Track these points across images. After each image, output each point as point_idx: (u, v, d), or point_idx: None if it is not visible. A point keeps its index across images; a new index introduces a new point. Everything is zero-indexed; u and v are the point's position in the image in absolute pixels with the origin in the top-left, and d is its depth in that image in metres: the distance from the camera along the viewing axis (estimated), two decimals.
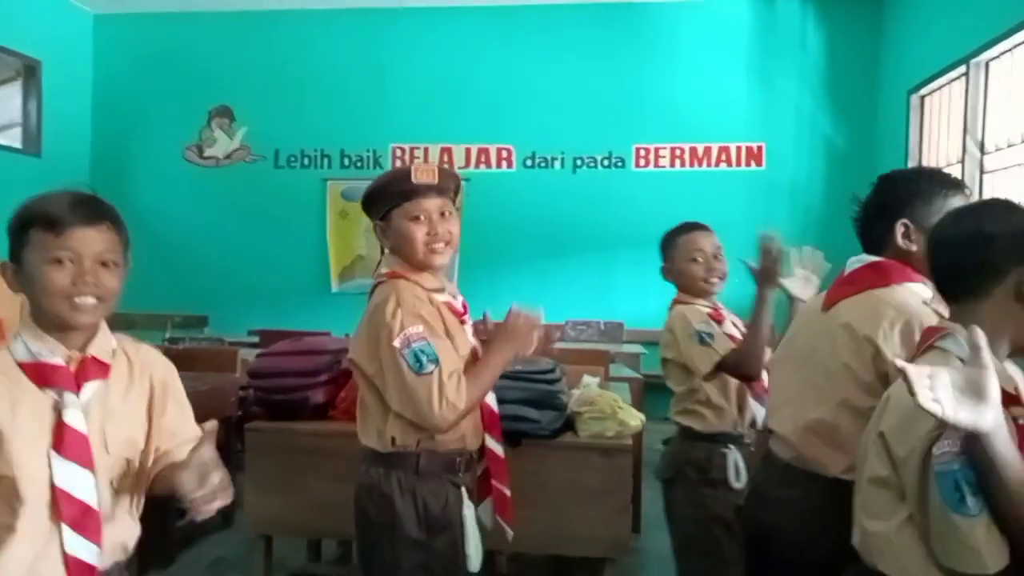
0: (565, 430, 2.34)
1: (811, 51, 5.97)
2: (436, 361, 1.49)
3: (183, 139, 6.56)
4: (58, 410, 1.20)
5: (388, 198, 1.61)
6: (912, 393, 0.96)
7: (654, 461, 2.35)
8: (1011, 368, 1.20)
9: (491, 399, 1.70)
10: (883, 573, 1.18)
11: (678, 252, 2.16)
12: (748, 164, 6.04)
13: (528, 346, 1.65)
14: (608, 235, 5.96)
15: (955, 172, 4.53)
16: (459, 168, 6.09)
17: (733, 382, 2.10)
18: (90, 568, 1.19)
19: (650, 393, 3.48)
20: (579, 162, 6.22)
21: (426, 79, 6.28)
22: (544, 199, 6.13)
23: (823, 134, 5.97)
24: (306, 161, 6.47)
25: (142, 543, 1.33)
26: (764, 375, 2.06)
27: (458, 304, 1.68)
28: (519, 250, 6.01)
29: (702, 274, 2.13)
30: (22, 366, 1.21)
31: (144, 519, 1.37)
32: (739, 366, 2.03)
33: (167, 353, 1.43)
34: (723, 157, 6.07)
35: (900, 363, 1.00)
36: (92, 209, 1.23)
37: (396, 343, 1.50)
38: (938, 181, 1.54)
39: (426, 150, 6.31)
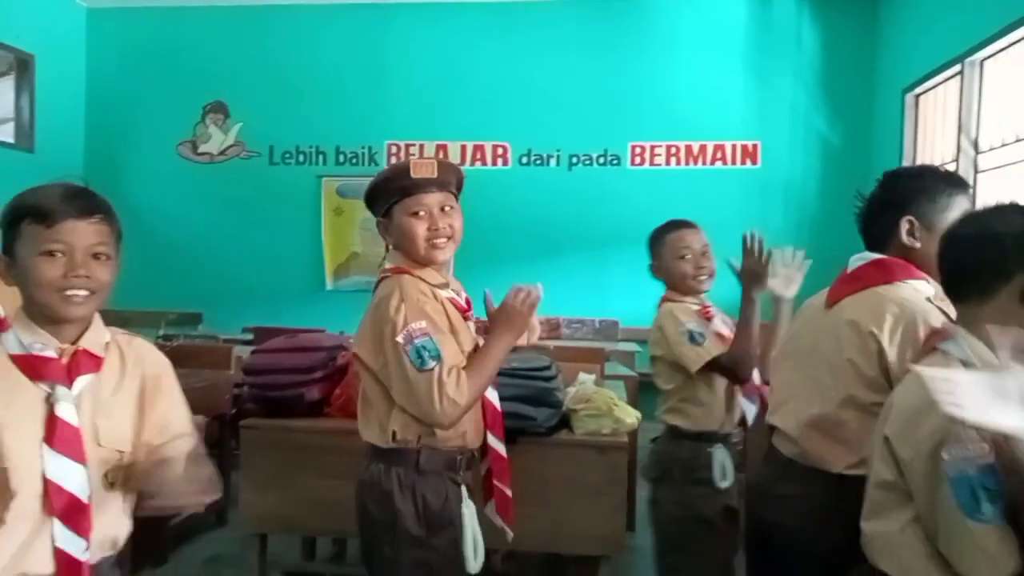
0: (561, 427, 2.34)
1: (807, 49, 5.98)
2: (438, 357, 1.49)
3: (177, 135, 6.53)
4: (50, 403, 1.20)
5: (388, 194, 1.61)
6: (933, 398, 0.96)
7: None
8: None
9: (494, 397, 1.69)
10: (886, 573, 1.19)
11: (666, 250, 2.16)
12: (744, 162, 6.05)
13: (528, 328, 1.64)
14: (603, 233, 5.96)
15: (950, 170, 4.55)
16: None
17: (722, 380, 2.09)
18: (78, 562, 1.19)
19: (645, 391, 3.48)
20: (575, 160, 6.22)
21: (422, 75, 6.27)
22: (539, 197, 6.13)
23: (818, 132, 5.98)
24: (301, 158, 6.45)
25: (136, 541, 1.32)
26: (755, 374, 2.06)
27: (462, 300, 1.67)
28: (514, 248, 6.00)
29: (690, 272, 2.13)
30: (14, 359, 1.21)
31: (137, 517, 1.36)
32: (732, 368, 2.03)
33: (161, 350, 1.42)
34: (719, 155, 6.07)
35: (917, 368, 1.00)
36: (84, 201, 1.22)
37: (399, 339, 1.49)
38: (944, 179, 1.55)
39: (421, 147, 6.30)
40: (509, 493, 1.73)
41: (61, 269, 1.19)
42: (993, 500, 1.03)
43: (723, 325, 2.15)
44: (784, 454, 1.59)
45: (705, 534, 2.05)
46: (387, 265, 1.64)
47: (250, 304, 6.11)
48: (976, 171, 4.42)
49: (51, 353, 1.21)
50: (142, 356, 1.35)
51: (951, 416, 0.96)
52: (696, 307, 2.14)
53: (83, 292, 1.21)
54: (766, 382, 1.98)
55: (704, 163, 6.08)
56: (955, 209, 1.51)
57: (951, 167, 4.55)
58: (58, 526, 1.18)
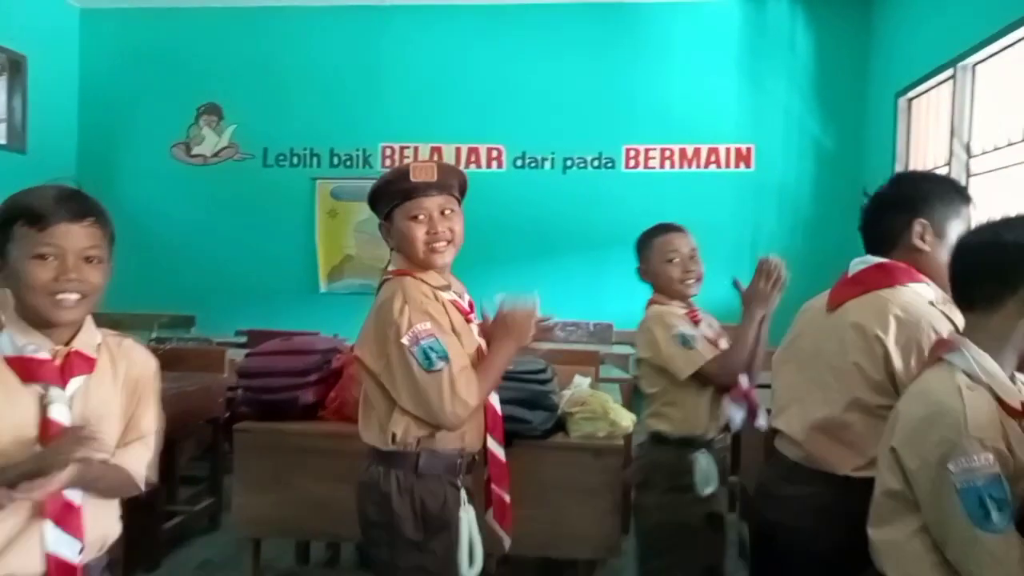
0: (556, 430, 2.34)
1: (800, 54, 6.00)
2: (446, 358, 1.49)
3: (170, 137, 6.50)
4: (43, 404, 1.20)
5: (389, 198, 1.61)
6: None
7: None
8: (1021, 381, 1.22)
9: (494, 400, 1.69)
10: None
11: (654, 253, 2.16)
12: (737, 165, 6.06)
13: (527, 335, 1.65)
14: (598, 236, 5.96)
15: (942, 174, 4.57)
16: None
17: (707, 386, 2.08)
18: (71, 565, 1.19)
19: (640, 394, 3.48)
20: (569, 162, 6.23)
21: (416, 78, 6.26)
22: (534, 199, 6.13)
23: (812, 136, 6.00)
24: (295, 160, 6.43)
25: (128, 545, 1.32)
26: (744, 379, 2.06)
27: (464, 302, 1.67)
28: (508, 250, 5.99)
29: (678, 275, 2.13)
30: (7, 360, 1.20)
31: (129, 521, 1.36)
32: (716, 377, 2.03)
33: (154, 353, 1.42)
34: (712, 158, 6.09)
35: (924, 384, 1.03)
36: (76, 204, 1.22)
37: (405, 340, 1.49)
38: (956, 188, 1.58)
39: (416, 149, 6.29)
40: (507, 499, 1.72)
41: (52, 272, 1.19)
42: (1001, 509, 1.06)
43: (708, 329, 2.15)
44: (789, 457, 1.59)
45: (687, 540, 2.04)
46: (390, 268, 1.65)
47: (243, 307, 6.08)
48: (968, 175, 4.44)
49: (44, 355, 1.22)
50: (131, 358, 1.35)
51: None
52: (683, 311, 2.14)
53: (74, 295, 1.21)
54: (765, 386, 1.98)
55: (698, 166, 6.09)
56: (963, 219, 1.53)
57: (943, 171, 4.57)
58: (50, 528, 1.18)
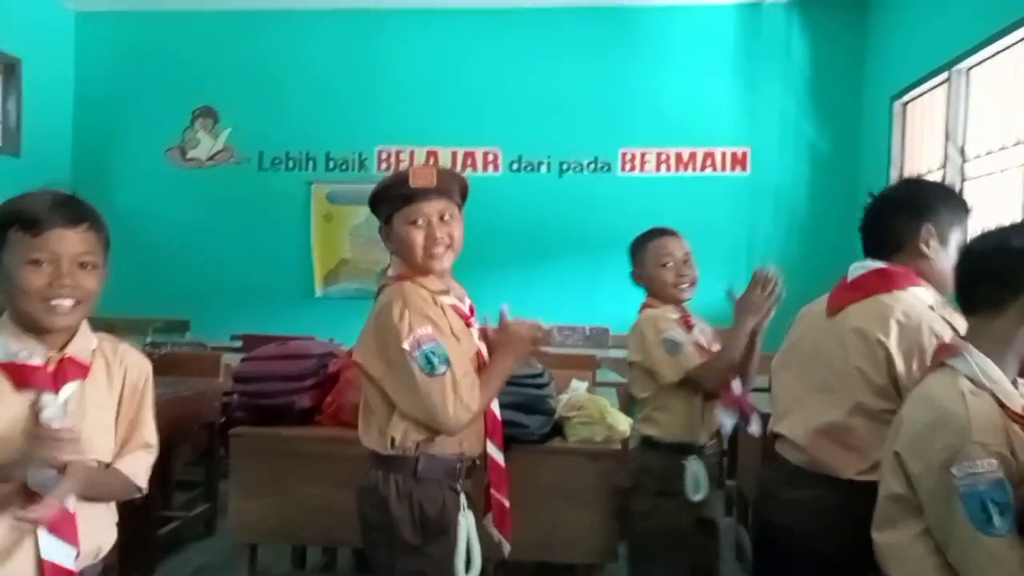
0: (554, 435, 2.33)
1: (796, 58, 6.01)
2: (448, 362, 1.49)
3: (166, 140, 6.48)
4: (35, 411, 1.19)
5: (389, 202, 1.61)
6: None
7: None
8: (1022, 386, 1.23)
9: (495, 406, 1.69)
10: None
11: (648, 257, 2.16)
12: (733, 169, 6.08)
13: (529, 350, 1.66)
14: (594, 240, 5.95)
15: (937, 178, 4.59)
16: None
17: (698, 391, 2.08)
18: (66, 571, 1.18)
19: (633, 398, 3.48)
20: (565, 166, 6.23)
21: (412, 81, 6.26)
22: (530, 203, 6.12)
23: (807, 140, 6.02)
24: (291, 163, 6.42)
25: (123, 550, 1.31)
26: (736, 385, 2.05)
27: (465, 307, 1.68)
28: (504, 254, 5.98)
29: (672, 279, 2.13)
30: (0, 366, 1.19)
31: (124, 526, 1.35)
32: (701, 383, 2.03)
33: (148, 358, 1.41)
34: (708, 162, 6.10)
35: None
36: (71, 210, 1.22)
37: (406, 345, 1.49)
38: (960, 199, 1.60)
39: (412, 153, 6.28)
40: (507, 504, 1.72)
41: (46, 278, 1.18)
42: (1003, 513, 1.07)
43: (701, 335, 2.15)
44: (791, 461, 1.59)
45: (677, 545, 2.04)
46: (390, 272, 1.65)
47: (238, 311, 6.06)
48: (963, 179, 4.46)
49: (37, 361, 1.21)
50: (126, 362, 1.35)
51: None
52: (676, 315, 2.13)
53: (68, 301, 1.20)
54: (762, 389, 1.97)
55: (694, 170, 6.10)
56: (963, 230, 1.56)
57: (938, 174, 4.60)
58: (44, 536, 1.17)
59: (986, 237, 1.30)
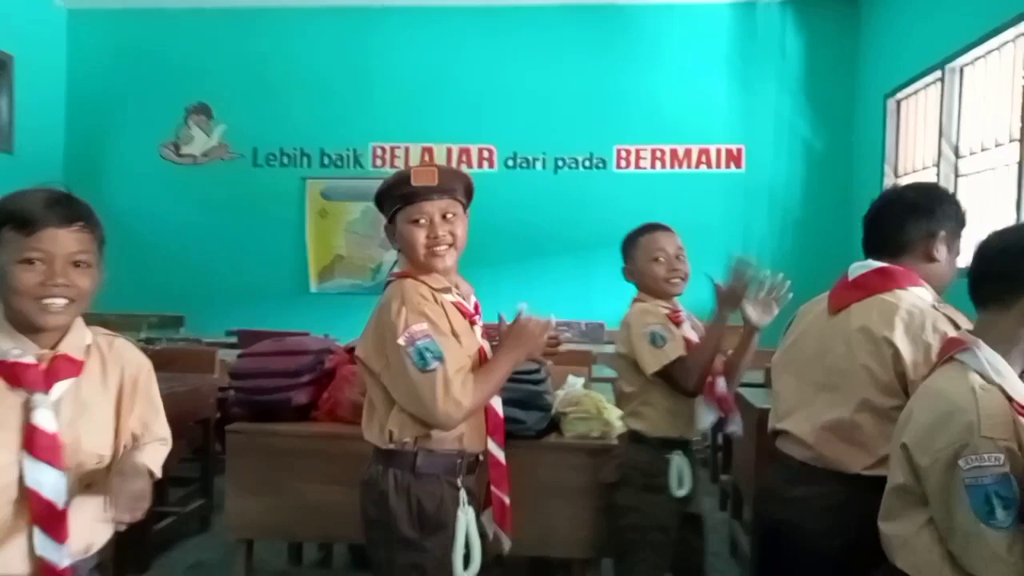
0: (550, 430, 2.34)
1: (790, 56, 6.03)
2: (440, 358, 1.50)
3: (159, 136, 6.46)
4: (27, 410, 1.19)
5: (392, 201, 1.63)
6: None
7: None
8: None
9: (497, 403, 1.70)
10: (905, 572, 1.25)
11: (640, 252, 2.15)
12: (728, 166, 6.09)
13: (539, 349, 1.67)
14: (589, 236, 5.97)
15: (931, 176, 4.62)
16: None
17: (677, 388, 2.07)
18: (57, 569, 1.19)
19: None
20: (560, 163, 6.23)
21: (407, 78, 6.25)
22: (525, 200, 6.13)
23: (802, 137, 6.04)
24: (285, 160, 6.41)
25: (118, 546, 1.31)
26: (722, 383, 2.06)
27: (469, 305, 1.68)
28: (500, 250, 5.98)
29: (664, 274, 2.12)
30: None
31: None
32: (679, 378, 2.01)
33: (143, 353, 1.41)
34: (703, 159, 6.11)
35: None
36: (65, 209, 1.22)
37: (401, 341, 1.50)
38: (962, 210, 1.63)
39: (407, 149, 6.28)
40: (507, 501, 1.73)
41: (40, 277, 1.18)
42: (1007, 507, 1.10)
43: (692, 331, 2.14)
44: (796, 458, 1.61)
45: (660, 541, 2.04)
46: (395, 269, 1.67)
47: (233, 307, 6.05)
48: (956, 176, 4.48)
49: (29, 359, 1.21)
50: (123, 357, 1.35)
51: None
52: (666, 310, 2.13)
53: (61, 300, 1.20)
54: (757, 385, 1.99)
55: (689, 167, 6.12)
56: (959, 241, 1.61)
57: (932, 172, 4.62)
58: (37, 533, 1.17)
59: (997, 235, 1.33)
